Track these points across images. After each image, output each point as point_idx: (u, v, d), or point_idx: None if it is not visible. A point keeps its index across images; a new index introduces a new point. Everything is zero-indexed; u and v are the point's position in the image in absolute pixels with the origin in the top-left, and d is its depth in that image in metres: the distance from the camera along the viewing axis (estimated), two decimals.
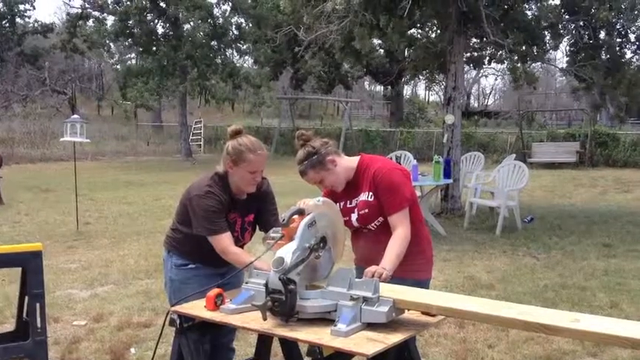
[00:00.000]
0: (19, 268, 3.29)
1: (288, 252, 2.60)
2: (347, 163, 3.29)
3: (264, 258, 2.84)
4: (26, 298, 3.24)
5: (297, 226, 2.67)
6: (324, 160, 3.18)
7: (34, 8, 30.95)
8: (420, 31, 13.87)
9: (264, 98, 26.39)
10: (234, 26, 25.21)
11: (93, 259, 7.80)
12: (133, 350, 4.78)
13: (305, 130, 3.31)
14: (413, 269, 3.21)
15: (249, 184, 3.31)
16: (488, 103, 56.93)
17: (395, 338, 2.44)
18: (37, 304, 3.18)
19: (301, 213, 2.77)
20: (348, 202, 3.30)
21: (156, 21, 24.52)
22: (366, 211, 3.22)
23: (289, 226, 2.73)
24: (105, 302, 6.01)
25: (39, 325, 3.18)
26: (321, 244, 2.72)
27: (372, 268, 2.94)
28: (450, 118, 11.02)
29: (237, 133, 3.29)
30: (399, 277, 2.97)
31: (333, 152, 3.23)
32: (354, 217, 3.27)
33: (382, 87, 37.76)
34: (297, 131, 3.30)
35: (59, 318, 5.49)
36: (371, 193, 3.21)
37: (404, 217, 3.16)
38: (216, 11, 24.72)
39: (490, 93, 60.63)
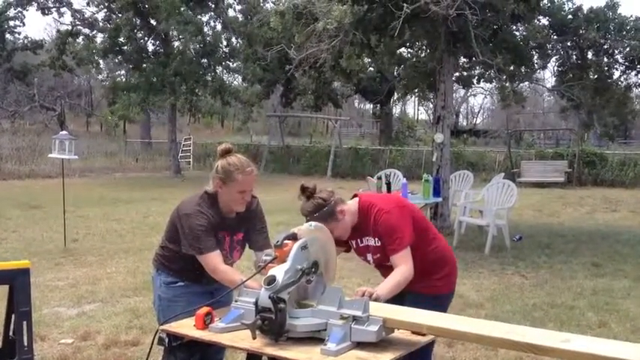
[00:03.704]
0: (6, 286, 3.26)
1: (280, 271, 2.60)
2: (351, 208, 3.33)
3: (255, 278, 2.84)
4: (13, 316, 3.20)
5: (290, 249, 2.68)
6: (334, 210, 3.22)
7: (24, 25, 30.84)
8: (409, 50, 13.96)
9: (252, 113, 26.46)
10: (224, 43, 25.23)
11: (80, 277, 7.74)
12: None
13: (306, 183, 3.27)
14: (431, 284, 3.37)
15: (239, 203, 3.31)
16: (477, 122, 57.26)
17: (385, 357, 2.44)
18: (24, 322, 3.15)
19: (294, 238, 2.77)
20: (359, 240, 3.38)
21: (146, 38, 24.51)
22: (379, 255, 3.33)
23: (282, 248, 2.73)
24: (92, 320, 5.95)
25: (26, 343, 3.14)
26: (313, 269, 2.72)
27: (362, 287, 2.97)
28: (439, 137, 11.07)
29: (226, 152, 3.29)
30: (418, 292, 3.23)
31: (340, 201, 3.27)
32: (369, 257, 3.38)
33: (372, 105, 37.89)
34: (300, 186, 3.28)
35: (46, 336, 5.44)
36: (377, 239, 3.29)
37: (405, 255, 3.21)
38: (206, 29, 24.75)
39: (478, 112, 61.02)
